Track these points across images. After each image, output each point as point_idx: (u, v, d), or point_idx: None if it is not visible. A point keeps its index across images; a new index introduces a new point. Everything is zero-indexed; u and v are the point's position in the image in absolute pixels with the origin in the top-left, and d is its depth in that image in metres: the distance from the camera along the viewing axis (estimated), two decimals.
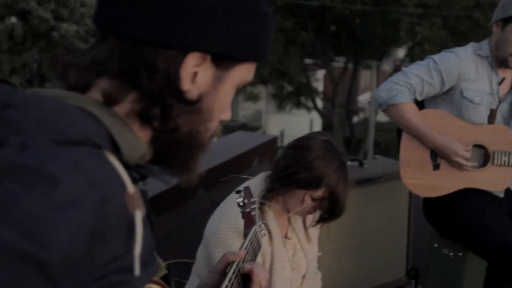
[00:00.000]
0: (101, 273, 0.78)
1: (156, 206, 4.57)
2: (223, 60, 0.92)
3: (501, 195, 2.64)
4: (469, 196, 2.57)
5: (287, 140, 4.60)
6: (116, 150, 0.86)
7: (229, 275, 1.21)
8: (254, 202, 1.44)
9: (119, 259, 0.80)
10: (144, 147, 0.93)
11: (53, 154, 0.76)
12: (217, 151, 5.09)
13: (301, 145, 2.07)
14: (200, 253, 2.15)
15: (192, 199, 4.43)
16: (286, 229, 2.18)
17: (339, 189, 2.01)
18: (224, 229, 2.03)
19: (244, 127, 12.75)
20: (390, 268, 3.39)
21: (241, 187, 1.45)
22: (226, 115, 1.00)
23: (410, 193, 3.33)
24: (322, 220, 2.10)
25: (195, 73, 0.90)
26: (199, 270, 2.13)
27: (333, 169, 2.00)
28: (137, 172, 0.87)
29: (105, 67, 0.89)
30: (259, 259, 2.03)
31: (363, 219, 3.23)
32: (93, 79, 0.91)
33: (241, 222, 1.97)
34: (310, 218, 2.25)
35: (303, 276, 2.22)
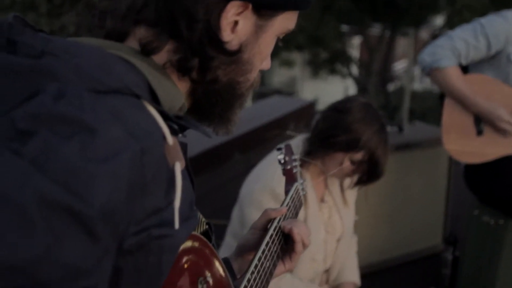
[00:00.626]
0: (141, 227, 0.76)
1: (191, 168, 4.57)
2: (264, 8, 0.89)
3: None
4: None
5: (321, 107, 4.56)
6: (155, 100, 0.84)
7: (270, 232, 1.20)
8: (295, 160, 1.43)
9: (159, 212, 0.78)
10: (183, 97, 0.91)
11: (91, 103, 0.74)
12: (253, 115, 5.06)
13: (341, 107, 2.05)
14: (235, 213, 2.16)
15: (228, 162, 4.43)
16: (322, 192, 2.17)
17: (379, 152, 1.99)
18: (259, 190, 2.03)
19: (278, 93, 12.67)
20: (427, 234, 3.37)
21: (281, 145, 1.43)
22: (266, 65, 0.97)
23: (450, 160, 3.28)
24: (360, 182, 2.08)
25: (236, 22, 0.88)
26: (234, 231, 2.13)
27: (373, 131, 1.98)
28: (177, 123, 0.85)
29: (142, 15, 0.87)
30: None
31: (402, 185, 3.21)
32: (130, 28, 0.88)
33: (276, 184, 1.98)
34: (347, 181, 2.23)
35: (338, 240, 2.22)
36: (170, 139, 0.80)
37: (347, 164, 2.01)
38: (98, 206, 0.69)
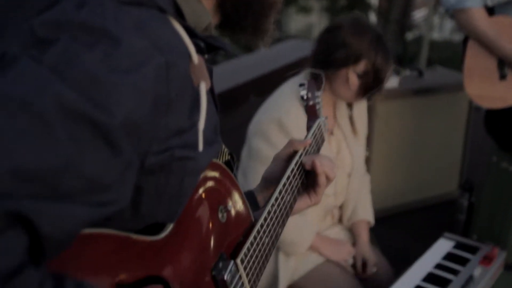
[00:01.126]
0: (165, 146, 0.75)
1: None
2: None
3: None
4: None
5: None
6: (181, 16, 0.81)
7: (291, 166, 1.18)
8: (318, 96, 1.39)
9: (184, 133, 0.77)
10: (210, 16, 0.88)
11: (114, 13, 0.71)
12: (269, 58, 4.99)
13: (332, 27, 2.12)
14: (244, 151, 2.15)
15: (243, 105, 4.40)
16: (332, 125, 2.17)
17: (380, 60, 2.03)
18: (266, 120, 2.04)
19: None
20: (443, 180, 3.36)
21: (304, 81, 1.40)
22: None
23: (470, 106, 3.24)
24: (366, 90, 2.08)
25: None
26: (243, 166, 2.13)
27: (368, 41, 2.03)
28: (203, 40, 0.82)
29: None
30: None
31: (420, 130, 3.18)
32: None
33: (284, 115, 1.99)
34: (358, 115, 2.22)
35: (349, 175, 2.21)
36: (195, 57, 0.77)
37: (353, 79, 2.03)
38: (121, 117, 0.68)
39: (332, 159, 2.07)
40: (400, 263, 2.16)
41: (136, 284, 0.76)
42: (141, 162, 0.73)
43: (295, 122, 1.97)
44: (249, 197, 1.14)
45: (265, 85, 4.15)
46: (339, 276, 2.16)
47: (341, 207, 2.27)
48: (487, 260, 2.18)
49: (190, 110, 0.78)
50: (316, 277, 2.15)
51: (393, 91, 3.02)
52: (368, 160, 3.04)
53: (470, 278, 2.05)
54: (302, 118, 1.45)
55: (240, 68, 4.77)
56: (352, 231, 2.31)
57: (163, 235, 0.83)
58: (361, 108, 2.27)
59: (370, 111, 2.96)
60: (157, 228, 0.83)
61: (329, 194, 2.16)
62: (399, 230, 3.13)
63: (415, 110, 3.11)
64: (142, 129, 0.71)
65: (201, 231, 0.89)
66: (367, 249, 2.25)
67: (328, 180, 1.21)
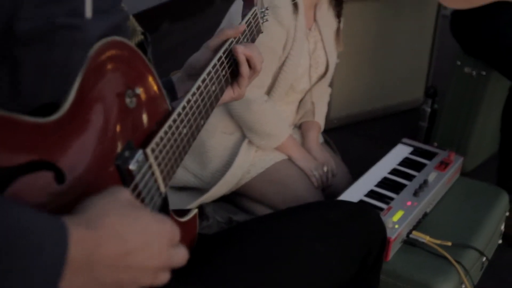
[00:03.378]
0: (41, 13, 0.66)
1: (171, 12, 4.35)
2: None
3: None
4: (502, 12, 2.37)
5: None
6: None
7: (219, 53, 1.09)
8: None
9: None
10: None
11: None
12: None
13: None
14: None
15: (208, 8, 4.24)
16: (311, 23, 2.10)
17: None
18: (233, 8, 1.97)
19: None
20: (409, 87, 3.29)
21: None
22: None
23: (438, 12, 3.13)
24: None
25: None
26: None
27: None
28: None
29: None
30: (282, 38, 1.94)
31: (385, 35, 3.08)
32: None
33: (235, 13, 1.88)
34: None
35: (320, 78, 2.16)
36: None
37: None
38: None
39: (308, 54, 2.03)
40: (359, 169, 2.12)
41: (16, 169, 0.68)
42: (3, 27, 0.64)
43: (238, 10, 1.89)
44: (167, 85, 1.06)
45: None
46: (296, 176, 2.12)
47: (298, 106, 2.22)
48: (443, 165, 2.14)
49: None
50: (272, 176, 2.11)
51: None
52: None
53: (424, 183, 2.02)
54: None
55: None
56: (301, 129, 2.26)
57: (54, 117, 0.74)
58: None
59: None
60: (50, 112, 0.75)
61: (298, 90, 2.11)
62: (361, 137, 3.09)
63: (381, 14, 2.99)
64: None
65: (101, 115, 0.80)
66: (317, 147, 2.21)
67: (254, 71, 1.12)
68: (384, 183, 2.05)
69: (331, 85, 2.95)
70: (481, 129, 2.69)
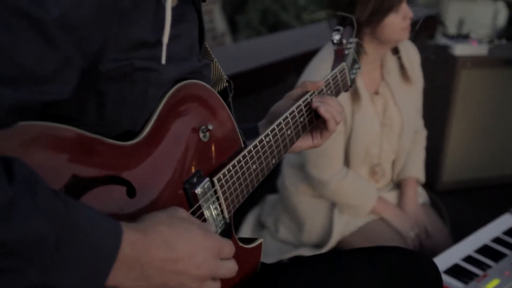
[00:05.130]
0: (125, 56, 0.80)
1: (240, 86, 4.43)
2: None
3: None
4: None
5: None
6: None
7: (299, 102, 1.19)
8: (351, 43, 1.38)
9: (148, 46, 0.82)
10: None
11: None
12: (316, 35, 4.74)
13: None
14: None
15: (281, 83, 4.30)
16: (378, 83, 2.12)
17: None
18: (305, 72, 2.04)
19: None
20: None
21: (340, 27, 1.38)
22: None
23: None
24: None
25: None
26: None
27: None
28: None
29: None
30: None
31: (507, 102, 3.01)
32: None
33: (318, 63, 1.96)
34: (409, 62, 2.15)
35: (400, 136, 2.17)
36: None
37: (395, 18, 1.92)
38: (56, 14, 0.73)
39: (378, 118, 2.05)
40: (463, 234, 2.09)
41: (94, 180, 0.82)
42: (93, 66, 0.79)
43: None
44: (252, 130, 1.18)
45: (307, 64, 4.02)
46: (389, 235, 2.14)
47: (393, 165, 2.24)
48: None
49: (154, 24, 0.82)
50: (366, 234, 2.14)
51: (481, 59, 2.87)
52: (448, 128, 2.94)
53: None
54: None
55: (280, 45, 4.59)
56: (400, 188, 2.27)
57: (133, 141, 0.88)
58: (412, 55, 2.20)
59: (454, 77, 2.86)
60: (130, 138, 0.89)
61: (373, 153, 2.13)
62: (471, 204, 3.01)
63: (503, 81, 2.94)
64: (84, 29, 0.76)
65: (175, 144, 0.93)
66: (412, 206, 2.21)
67: (336, 123, 1.21)
68: (484, 250, 2.01)
69: (446, 147, 2.93)
70: None
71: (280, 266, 1.17)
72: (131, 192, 0.87)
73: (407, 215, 2.17)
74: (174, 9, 0.85)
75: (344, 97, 1.95)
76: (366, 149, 2.09)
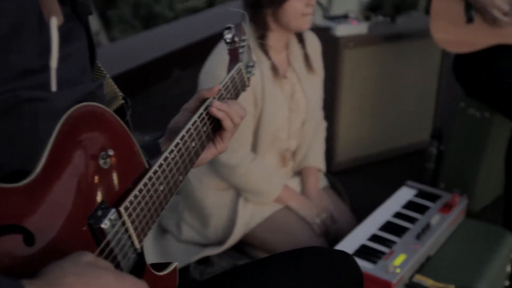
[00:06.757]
0: (5, 87, 0.70)
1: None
2: None
3: None
4: (503, 55, 2.39)
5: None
6: None
7: (200, 111, 1.13)
8: (244, 40, 1.32)
9: (33, 74, 0.72)
10: None
11: None
12: (196, 27, 4.72)
13: None
14: None
15: (166, 79, 4.27)
16: (285, 68, 2.11)
17: None
18: (203, 79, 2.00)
19: None
20: (415, 129, 3.30)
21: (231, 24, 1.32)
22: None
23: (443, 52, 3.15)
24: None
25: None
26: None
27: None
28: None
29: None
30: (249, 97, 1.96)
31: (391, 78, 3.11)
32: None
33: (217, 66, 1.91)
34: (312, 52, 2.17)
35: (303, 122, 2.18)
36: None
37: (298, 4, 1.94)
38: None
39: (287, 102, 2.05)
40: (365, 213, 2.13)
41: None
42: None
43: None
44: (153, 147, 1.10)
45: (190, 57, 4.00)
46: (296, 224, 2.14)
47: (294, 153, 2.24)
48: (446, 208, 2.14)
49: (39, 49, 0.72)
50: (273, 224, 2.13)
51: (362, 37, 2.93)
52: (337, 109, 2.99)
53: (427, 226, 2.02)
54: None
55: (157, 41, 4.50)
56: (301, 177, 2.28)
57: (24, 182, 0.77)
58: (314, 46, 2.21)
59: (338, 58, 2.89)
60: (21, 179, 0.79)
61: (282, 138, 2.13)
62: (368, 180, 3.09)
63: (385, 57, 3.03)
64: None
65: (74, 177, 0.84)
66: (315, 192, 2.22)
67: (234, 124, 1.16)
68: (387, 227, 2.05)
69: (336, 128, 2.98)
70: (487, 170, 2.68)
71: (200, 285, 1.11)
72: (29, 239, 0.76)
73: (312, 202, 2.18)
74: (60, 28, 0.75)
75: (256, 77, 1.93)
76: (274, 133, 2.07)
